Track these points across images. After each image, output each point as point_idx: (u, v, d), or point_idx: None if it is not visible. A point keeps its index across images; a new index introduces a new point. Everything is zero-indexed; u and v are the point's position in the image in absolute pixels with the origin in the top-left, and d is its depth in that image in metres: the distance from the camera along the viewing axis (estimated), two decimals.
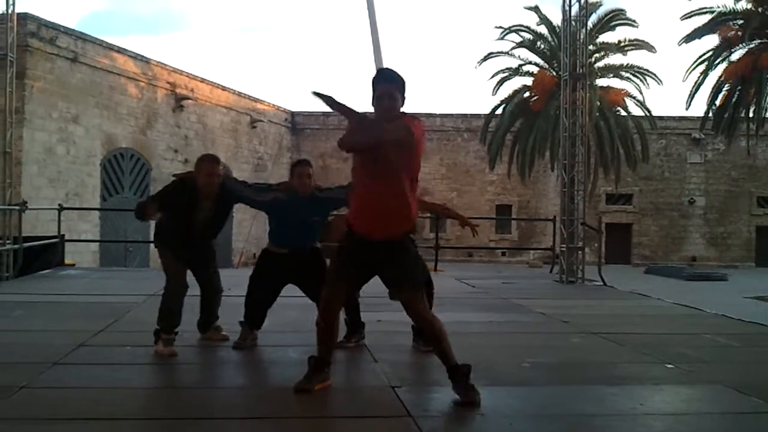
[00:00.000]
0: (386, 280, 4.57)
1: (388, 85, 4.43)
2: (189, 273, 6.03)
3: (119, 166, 24.39)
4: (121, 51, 24.58)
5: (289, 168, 6.19)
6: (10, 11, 13.00)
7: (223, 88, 30.88)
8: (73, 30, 22.68)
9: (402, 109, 4.47)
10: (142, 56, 25.71)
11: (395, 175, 4.40)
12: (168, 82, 26.93)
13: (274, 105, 35.58)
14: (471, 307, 9.43)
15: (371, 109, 4.50)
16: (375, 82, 4.46)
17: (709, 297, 17.69)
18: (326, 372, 4.69)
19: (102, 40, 23.74)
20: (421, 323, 4.65)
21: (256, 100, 33.69)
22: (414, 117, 4.47)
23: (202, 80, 29.29)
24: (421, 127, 4.46)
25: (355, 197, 4.62)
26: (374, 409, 4.38)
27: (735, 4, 25.29)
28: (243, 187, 6.28)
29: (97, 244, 21.84)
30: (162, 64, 26.80)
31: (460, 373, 4.43)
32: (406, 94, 4.47)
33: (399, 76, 4.48)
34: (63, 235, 14.12)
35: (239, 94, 32.21)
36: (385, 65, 20.21)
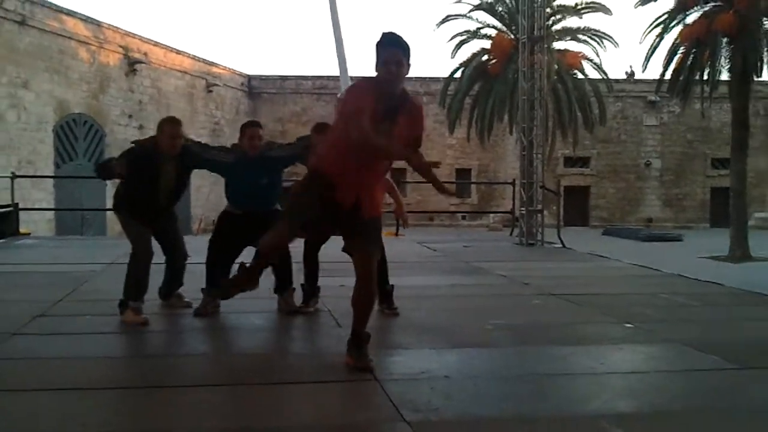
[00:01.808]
0: (347, 236, 4.46)
1: (395, 50, 4.25)
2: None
3: (72, 132, 23.87)
4: (71, 14, 23.92)
5: (240, 131, 6.09)
6: None
7: (178, 52, 30.29)
8: None
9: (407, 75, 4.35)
10: (93, 19, 25.05)
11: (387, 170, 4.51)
12: (120, 46, 26.32)
13: (230, 69, 35.04)
14: (433, 271, 9.49)
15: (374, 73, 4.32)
16: (380, 45, 4.26)
17: (666, 257, 18.06)
18: (257, 278, 4.71)
19: (51, 3, 23.06)
20: (363, 281, 4.38)
21: (211, 63, 33.13)
22: (418, 102, 4.48)
23: (156, 44, 28.68)
24: (422, 109, 4.50)
25: (339, 155, 4.30)
26: (339, 374, 4.39)
27: None
28: (205, 149, 6.20)
29: (53, 212, 21.44)
30: (114, 27, 26.16)
31: (362, 339, 4.45)
32: (411, 61, 4.31)
33: (405, 41, 4.31)
34: (17, 204, 13.84)
35: (194, 57, 31.62)
36: (341, 26, 19.97)
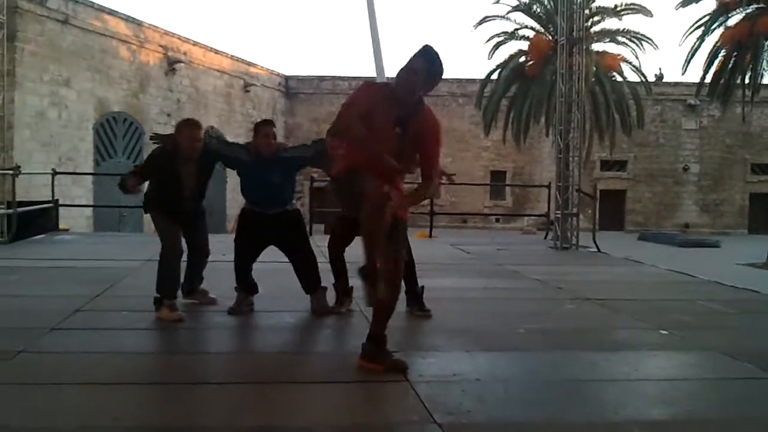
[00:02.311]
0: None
1: (425, 61, 4.19)
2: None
3: (112, 130, 24.20)
4: (113, 13, 24.26)
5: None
6: None
7: (216, 52, 30.58)
8: None
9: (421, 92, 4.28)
10: (134, 18, 25.39)
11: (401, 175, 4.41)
12: (160, 45, 26.65)
13: (267, 69, 35.29)
14: (466, 273, 9.46)
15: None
16: (417, 54, 4.21)
17: (702, 264, 17.80)
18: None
19: (93, 2, 23.39)
20: (394, 280, 4.36)
21: (249, 63, 33.39)
22: (433, 122, 4.35)
23: (195, 43, 28.99)
24: (436, 130, 4.36)
25: (360, 152, 4.28)
26: (370, 374, 4.40)
27: None
28: (222, 146, 6.29)
29: (91, 209, 21.75)
30: (154, 26, 26.48)
31: (381, 341, 4.43)
32: (432, 82, 4.24)
33: (439, 61, 4.21)
34: (57, 200, 14.08)
35: (232, 57, 31.90)
36: (379, 26, 19.99)
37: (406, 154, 4.26)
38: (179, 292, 6.13)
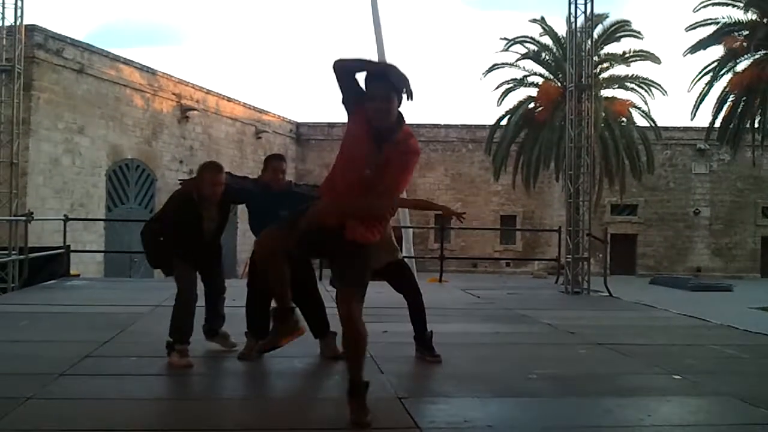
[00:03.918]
0: (335, 269, 4.45)
1: (382, 84, 4.05)
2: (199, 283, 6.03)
3: (124, 176, 24.43)
4: (128, 62, 24.67)
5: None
6: (18, 23, 13.08)
7: (229, 99, 30.96)
8: (80, 41, 22.77)
9: (399, 109, 4.13)
10: (148, 67, 25.79)
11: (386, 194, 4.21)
12: (174, 93, 27.01)
13: (279, 116, 35.67)
14: (476, 318, 9.41)
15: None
16: (368, 79, 4.09)
17: (715, 308, 17.63)
18: (292, 320, 4.45)
19: (108, 52, 23.82)
20: (345, 322, 4.18)
21: (261, 111, 33.77)
22: (410, 133, 4.21)
23: (208, 91, 29.38)
24: (415, 144, 4.22)
25: (333, 190, 4.31)
26: (382, 421, 4.36)
27: (742, 14, 25.31)
28: (233, 179, 6.26)
29: (102, 254, 21.85)
30: (168, 75, 26.88)
31: (359, 390, 4.21)
32: (402, 96, 4.07)
33: (397, 73, 4.07)
34: (68, 246, 14.14)
35: (245, 105, 32.30)
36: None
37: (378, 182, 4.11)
38: (202, 335, 6.12)
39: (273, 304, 4.53)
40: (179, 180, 6.35)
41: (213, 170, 5.88)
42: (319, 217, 4.23)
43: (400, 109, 4.13)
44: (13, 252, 12.64)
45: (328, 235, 4.19)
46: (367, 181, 4.09)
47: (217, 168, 5.94)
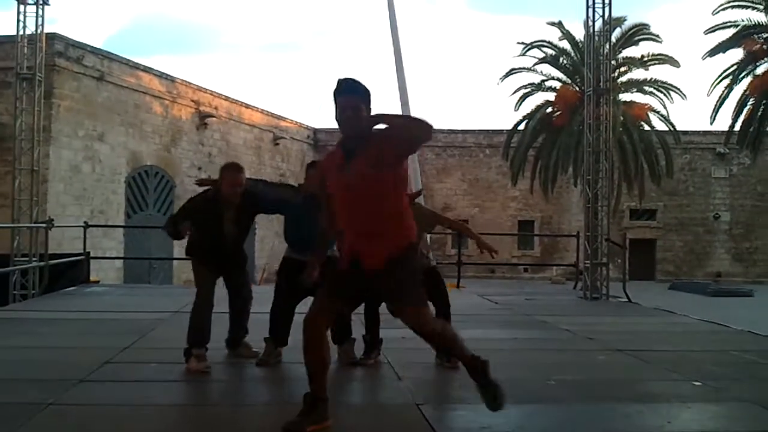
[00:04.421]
0: (385, 298, 4.41)
1: (349, 96, 4.07)
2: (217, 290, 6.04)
3: (144, 183, 24.59)
4: (147, 70, 24.84)
5: (306, 171, 6.06)
6: (39, 32, 13.21)
7: (247, 106, 31.10)
8: (100, 49, 22.96)
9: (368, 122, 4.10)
10: (167, 75, 25.97)
11: (386, 195, 4.09)
12: (192, 100, 27.16)
13: (296, 122, 35.78)
14: (494, 324, 9.39)
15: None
16: (336, 93, 4.10)
17: (735, 313, 17.48)
18: (322, 409, 4.18)
19: (128, 60, 24.01)
20: (431, 336, 4.24)
21: (279, 117, 33.89)
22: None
23: (226, 98, 29.52)
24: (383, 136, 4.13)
25: (341, 227, 4.25)
26: (399, 427, 4.37)
27: (764, 17, 25.11)
28: (271, 188, 6.24)
29: (122, 261, 22.01)
30: (186, 82, 27.05)
31: (481, 366, 4.21)
32: (371, 106, 4.10)
33: (361, 85, 4.13)
34: (88, 253, 14.25)
35: (263, 111, 32.42)
36: (406, 79, 20.19)
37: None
38: (221, 342, 6.15)
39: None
40: (197, 180, 6.37)
41: (233, 171, 5.92)
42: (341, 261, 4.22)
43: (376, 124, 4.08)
44: (34, 259, 12.76)
45: (360, 274, 4.11)
46: (360, 189, 4.03)
47: (236, 168, 5.98)
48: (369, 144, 4.01)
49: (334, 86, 4.12)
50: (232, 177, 5.85)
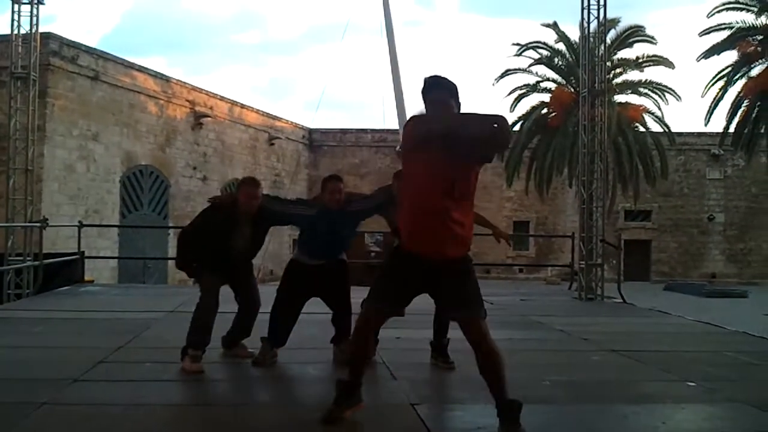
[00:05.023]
0: (445, 301, 4.37)
1: (439, 92, 4.08)
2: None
3: (138, 183, 24.55)
4: (142, 69, 24.81)
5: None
6: (33, 31, 13.19)
7: (242, 106, 31.09)
8: (95, 49, 22.93)
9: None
10: (162, 74, 25.95)
11: (467, 195, 4.14)
12: (187, 100, 27.14)
13: (292, 122, 35.77)
14: (489, 325, 9.33)
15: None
16: (425, 90, 4.12)
17: (730, 314, 17.54)
18: (357, 395, 4.36)
19: (123, 59, 23.98)
20: (483, 348, 4.16)
21: (274, 117, 33.87)
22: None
23: (221, 98, 29.50)
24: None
25: (411, 214, 4.18)
26: (394, 427, 4.36)
27: (756, 19, 25.18)
28: (282, 206, 6.28)
29: (116, 260, 21.96)
30: (181, 82, 27.04)
31: (513, 409, 4.09)
32: (460, 101, 4.12)
33: (449, 81, 4.14)
34: (83, 252, 14.21)
35: (258, 111, 32.42)
36: (402, 79, 20.19)
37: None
38: (221, 344, 6.17)
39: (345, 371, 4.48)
40: (210, 198, 6.39)
41: (250, 185, 5.99)
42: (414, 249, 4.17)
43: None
44: (28, 258, 12.72)
45: (422, 271, 4.13)
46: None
47: (254, 183, 6.04)
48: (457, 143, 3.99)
49: (422, 85, 4.14)
50: (249, 191, 5.91)
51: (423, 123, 4.08)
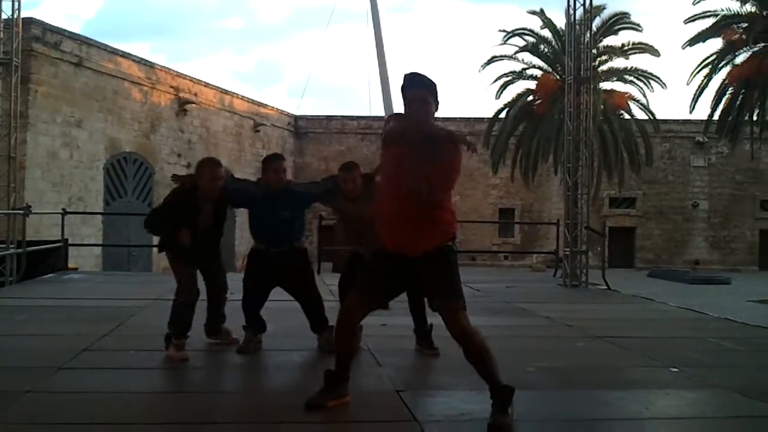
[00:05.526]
0: (425, 292, 4.42)
1: (417, 89, 4.16)
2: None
3: (122, 170, 24.38)
4: (126, 55, 24.59)
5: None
6: (15, 16, 13.02)
7: (227, 92, 30.91)
8: (78, 34, 22.69)
9: (435, 114, 4.25)
10: (147, 60, 25.74)
11: (441, 187, 4.18)
12: (172, 87, 26.94)
13: (277, 109, 35.62)
14: (475, 311, 9.28)
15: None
16: (404, 87, 4.19)
17: (713, 300, 17.69)
18: (343, 387, 4.39)
19: (106, 45, 23.74)
20: (461, 338, 4.15)
21: (259, 104, 33.71)
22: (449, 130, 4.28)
23: (206, 84, 29.31)
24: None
25: (385, 214, 4.31)
26: (379, 414, 4.37)
27: (741, 7, 25.26)
28: (233, 181, 6.27)
29: (100, 248, 21.83)
30: (166, 68, 26.83)
31: (502, 396, 4.11)
32: (438, 98, 4.22)
33: (428, 78, 4.20)
34: (66, 240, 14.12)
35: (243, 98, 32.24)
36: (388, 67, 20.13)
37: None
38: (202, 331, 6.14)
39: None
40: (172, 176, 6.34)
41: (212, 165, 5.91)
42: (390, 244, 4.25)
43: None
44: (11, 246, 12.61)
45: (403, 265, 4.20)
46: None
47: (215, 163, 5.97)
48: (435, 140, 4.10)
49: (401, 81, 4.19)
50: (211, 172, 5.83)
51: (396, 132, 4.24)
